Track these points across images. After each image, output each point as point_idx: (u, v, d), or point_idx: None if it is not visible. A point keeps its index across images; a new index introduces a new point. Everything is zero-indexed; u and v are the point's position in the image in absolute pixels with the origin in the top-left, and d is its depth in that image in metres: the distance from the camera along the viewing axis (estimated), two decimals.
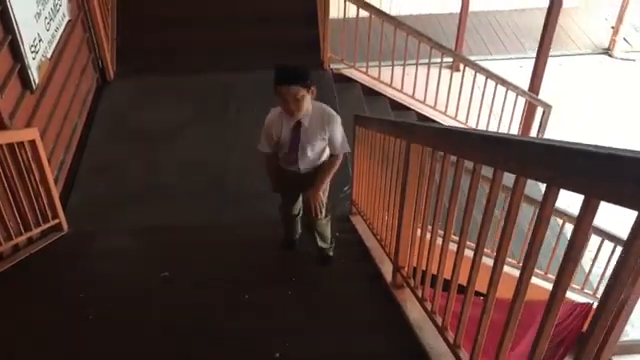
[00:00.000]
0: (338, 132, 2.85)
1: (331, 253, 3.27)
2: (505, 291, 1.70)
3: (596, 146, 1.00)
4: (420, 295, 2.18)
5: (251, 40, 5.76)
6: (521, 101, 6.34)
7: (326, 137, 2.84)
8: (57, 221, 3.90)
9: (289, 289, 2.92)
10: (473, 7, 8.65)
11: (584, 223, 1.12)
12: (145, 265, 3.37)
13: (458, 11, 8.52)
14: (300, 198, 3.18)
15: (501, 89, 6.09)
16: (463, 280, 1.80)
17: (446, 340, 1.89)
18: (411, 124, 2.40)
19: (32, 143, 3.57)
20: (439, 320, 1.95)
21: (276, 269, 3.25)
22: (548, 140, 1.14)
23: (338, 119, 2.83)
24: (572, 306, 5.03)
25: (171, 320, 2.70)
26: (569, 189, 1.10)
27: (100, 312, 2.75)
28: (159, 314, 2.77)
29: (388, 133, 2.70)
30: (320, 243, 3.18)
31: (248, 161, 4.53)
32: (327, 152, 2.95)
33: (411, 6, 10.09)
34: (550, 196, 1.20)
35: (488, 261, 1.65)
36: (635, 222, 1.00)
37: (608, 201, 1.01)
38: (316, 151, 2.90)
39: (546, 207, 1.21)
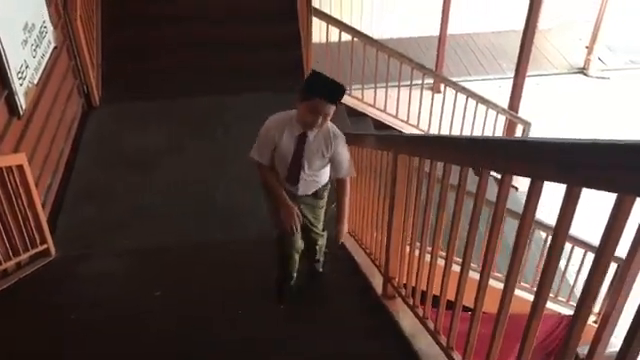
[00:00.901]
0: (345, 153, 2.70)
1: (322, 269, 3.22)
2: (492, 304, 1.73)
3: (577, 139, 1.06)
4: (411, 302, 2.22)
5: (235, 64, 5.85)
6: (501, 119, 6.49)
7: (327, 156, 2.65)
8: (45, 246, 3.89)
9: (281, 303, 2.93)
10: (452, 30, 8.86)
11: (567, 212, 1.17)
12: (136, 286, 3.37)
13: (437, 34, 8.72)
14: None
15: (482, 108, 6.23)
16: (452, 294, 1.85)
17: (439, 343, 1.93)
18: (397, 135, 2.49)
19: (20, 168, 3.58)
20: (431, 325, 1.99)
21: (267, 284, 3.25)
22: (527, 138, 1.21)
23: (344, 139, 2.69)
24: (559, 318, 5.09)
25: (165, 339, 2.71)
26: (550, 180, 1.16)
27: (92, 333, 2.75)
28: (153, 336, 2.77)
29: (375, 147, 2.77)
30: (318, 256, 3.10)
31: (235, 182, 4.60)
32: (325, 177, 2.80)
33: (391, 30, 10.29)
34: (534, 191, 1.26)
35: (476, 275, 1.70)
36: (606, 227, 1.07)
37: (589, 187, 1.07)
38: (314, 169, 2.69)
39: (531, 202, 1.27)
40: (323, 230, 3.02)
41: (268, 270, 3.10)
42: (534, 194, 1.27)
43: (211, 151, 5.05)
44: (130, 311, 2.98)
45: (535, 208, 1.32)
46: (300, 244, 2.95)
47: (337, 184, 2.78)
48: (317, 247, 3.05)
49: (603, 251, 1.10)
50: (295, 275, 3.06)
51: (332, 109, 2.48)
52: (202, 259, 3.69)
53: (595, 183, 1.07)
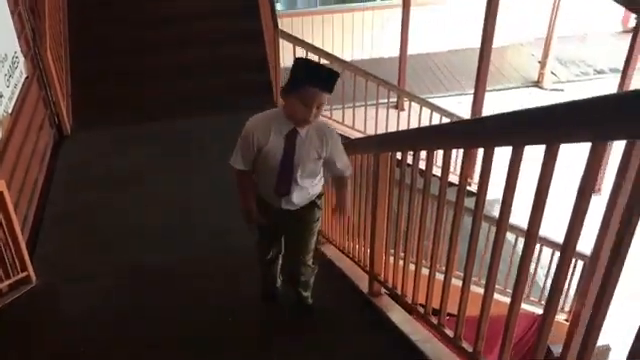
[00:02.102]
0: (342, 149, 2.43)
1: (311, 301, 2.89)
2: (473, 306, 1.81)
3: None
4: (399, 293, 2.34)
5: (204, 87, 5.96)
6: None
7: (323, 155, 2.35)
8: (26, 273, 3.86)
9: (269, 313, 2.96)
10: (411, 50, 9.16)
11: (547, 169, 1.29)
12: (119, 309, 3.38)
13: (398, 55, 9.01)
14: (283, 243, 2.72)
15: (445, 121, 6.45)
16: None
17: (430, 323, 2.03)
18: (377, 135, 2.60)
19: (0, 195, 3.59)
20: (421, 309, 2.10)
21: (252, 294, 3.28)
22: (508, 113, 1.35)
23: (338, 135, 2.44)
24: (533, 318, 5.26)
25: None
26: (531, 143, 1.29)
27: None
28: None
29: (355, 152, 2.87)
30: (303, 292, 2.83)
31: (210, 200, 4.66)
32: (319, 186, 2.53)
33: (352, 52, 10.57)
34: (517, 155, 1.39)
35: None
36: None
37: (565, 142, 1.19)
38: (307, 174, 2.39)
39: (514, 166, 1.40)
40: (313, 263, 2.71)
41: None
42: (516, 160, 1.39)
43: (185, 172, 5.10)
44: (116, 333, 2.97)
45: (518, 171, 1.46)
46: (276, 255, 2.75)
47: (336, 181, 2.55)
48: (302, 281, 2.75)
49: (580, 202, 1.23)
50: (279, 285, 2.91)
51: (326, 98, 2.23)
52: (183, 277, 3.72)
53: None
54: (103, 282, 3.81)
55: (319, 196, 2.55)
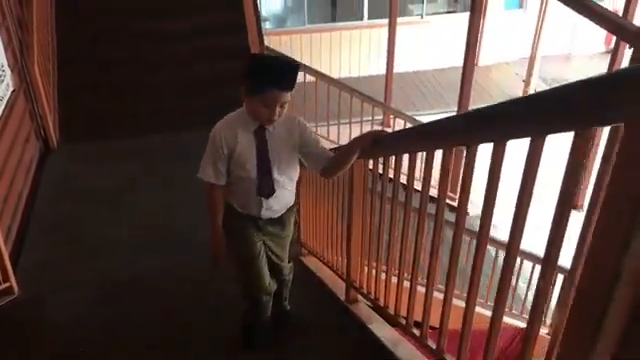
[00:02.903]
0: (314, 136, 2.35)
1: (289, 306, 2.86)
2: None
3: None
4: (372, 297, 2.39)
5: (190, 104, 6.03)
6: None
7: (297, 145, 2.28)
8: (8, 284, 3.87)
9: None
10: (397, 69, 9.31)
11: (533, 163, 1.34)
12: (102, 321, 3.40)
13: (384, 73, 9.14)
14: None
15: None
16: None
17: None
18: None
19: None
20: (392, 310, 2.15)
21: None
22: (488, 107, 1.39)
23: (305, 122, 2.35)
24: (515, 331, 5.30)
25: None
26: (517, 137, 1.32)
27: None
28: None
29: None
30: (285, 293, 2.76)
31: (195, 212, 4.68)
32: (293, 189, 2.43)
33: (340, 71, 10.71)
34: (499, 151, 1.44)
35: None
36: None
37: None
38: (285, 169, 2.28)
39: (496, 162, 1.45)
40: (290, 262, 2.68)
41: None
42: (498, 154, 1.44)
43: (169, 186, 5.15)
44: (98, 345, 2.99)
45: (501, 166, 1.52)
46: (271, 285, 2.55)
47: (331, 165, 2.31)
48: (284, 281, 2.68)
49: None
50: (267, 317, 2.68)
51: (288, 97, 2.13)
52: (167, 288, 3.75)
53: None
54: (87, 291, 3.83)
55: (292, 207, 2.47)
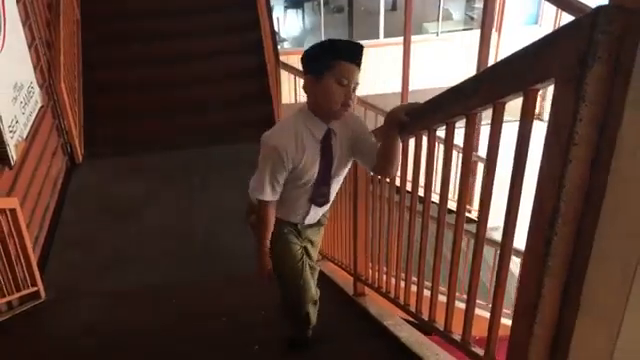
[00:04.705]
0: (369, 132, 2.06)
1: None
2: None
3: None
4: (377, 286, 2.50)
5: (209, 121, 6.27)
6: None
7: (356, 147, 2.00)
8: (35, 288, 4.06)
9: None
10: (412, 87, 9.43)
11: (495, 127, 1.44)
12: (120, 323, 3.52)
13: (400, 90, 9.27)
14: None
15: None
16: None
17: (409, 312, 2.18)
18: None
19: (13, 212, 3.81)
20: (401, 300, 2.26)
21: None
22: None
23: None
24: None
25: None
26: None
27: None
28: None
29: None
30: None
31: (213, 224, 4.86)
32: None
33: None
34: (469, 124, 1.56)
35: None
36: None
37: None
38: (340, 176, 2.08)
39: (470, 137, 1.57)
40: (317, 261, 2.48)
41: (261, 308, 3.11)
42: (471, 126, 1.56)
43: (189, 199, 5.33)
44: (118, 348, 3.09)
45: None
46: (317, 293, 2.33)
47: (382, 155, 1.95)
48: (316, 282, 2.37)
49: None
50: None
51: (359, 76, 1.87)
52: (185, 297, 3.86)
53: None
54: (108, 299, 3.99)
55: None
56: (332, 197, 2.13)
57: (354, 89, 1.85)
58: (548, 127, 1.05)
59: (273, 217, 2.06)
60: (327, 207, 2.19)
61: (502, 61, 1.24)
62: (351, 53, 1.82)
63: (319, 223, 2.26)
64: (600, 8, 0.91)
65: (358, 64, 1.85)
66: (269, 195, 1.97)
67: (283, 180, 1.95)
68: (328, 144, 1.93)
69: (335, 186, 2.08)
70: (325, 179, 1.99)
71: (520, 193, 1.32)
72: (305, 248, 2.23)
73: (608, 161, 0.95)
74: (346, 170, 2.08)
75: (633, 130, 0.93)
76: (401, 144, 1.94)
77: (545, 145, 1.07)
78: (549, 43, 1.03)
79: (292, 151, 1.88)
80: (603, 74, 0.93)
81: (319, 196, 2.04)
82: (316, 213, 2.15)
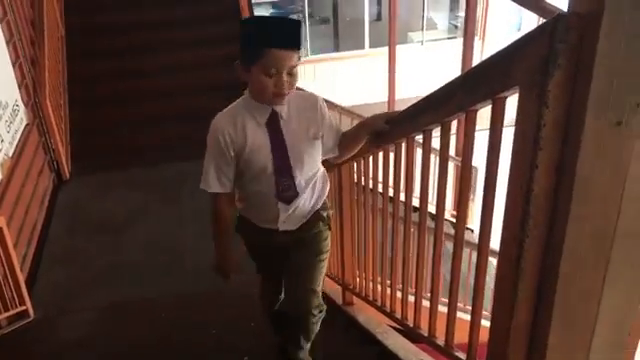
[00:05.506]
0: (335, 122, 1.95)
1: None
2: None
3: None
4: (364, 295, 2.52)
5: (198, 133, 6.21)
6: (451, 165, 6.97)
7: (320, 131, 1.87)
8: (24, 307, 4.03)
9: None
10: (399, 95, 9.49)
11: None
12: (114, 339, 3.53)
13: (386, 100, 9.34)
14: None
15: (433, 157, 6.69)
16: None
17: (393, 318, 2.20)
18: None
19: None
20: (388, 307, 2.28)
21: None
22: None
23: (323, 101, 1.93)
24: None
25: None
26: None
27: None
28: None
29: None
30: (302, 343, 2.22)
31: (201, 238, 4.83)
32: (325, 179, 2.02)
33: (342, 98, 10.95)
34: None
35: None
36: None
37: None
38: (306, 163, 1.87)
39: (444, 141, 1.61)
40: (320, 311, 2.11)
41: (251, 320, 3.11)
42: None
43: (177, 213, 5.33)
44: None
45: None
46: (279, 297, 2.22)
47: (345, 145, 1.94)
48: (302, 319, 2.09)
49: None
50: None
51: (296, 59, 1.69)
52: (175, 311, 3.87)
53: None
54: (97, 315, 3.97)
55: (323, 207, 2.01)
56: (305, 194, 1.91)
57: (291, 73, 1.71)
58: (515, 133, 1.09)
59: (226, 213, 1.96)
60: (306, 209, 1.94)
61: (471, 70, 1.28)
62: (283, 38, 1.66)
63: (307, 232, 1.98)
64: (559, 17, 0.94)
65: (293, 47, 1.69)
66: (216, 186, 1.89)
67: (231, 170, 1.86)
68: (276, 127, 1.81)
69: (301, 178, 1.87)
70: (285, 167, 1.83)
71: (494, 199, 1.35)
72: (290, 264, 2.04)
73: (573, 164, 0.98)
74: (312, 159, 1.89)
75: (595, 133, 0.96)
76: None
77: (513, 151, 1.11)
78: (512, 52, 1.07)
79: (231, 133, 1.80)
80: (564, 80, 0.97)
81: (284, 190, 1.85)
82: (291, 214, 1.91)
